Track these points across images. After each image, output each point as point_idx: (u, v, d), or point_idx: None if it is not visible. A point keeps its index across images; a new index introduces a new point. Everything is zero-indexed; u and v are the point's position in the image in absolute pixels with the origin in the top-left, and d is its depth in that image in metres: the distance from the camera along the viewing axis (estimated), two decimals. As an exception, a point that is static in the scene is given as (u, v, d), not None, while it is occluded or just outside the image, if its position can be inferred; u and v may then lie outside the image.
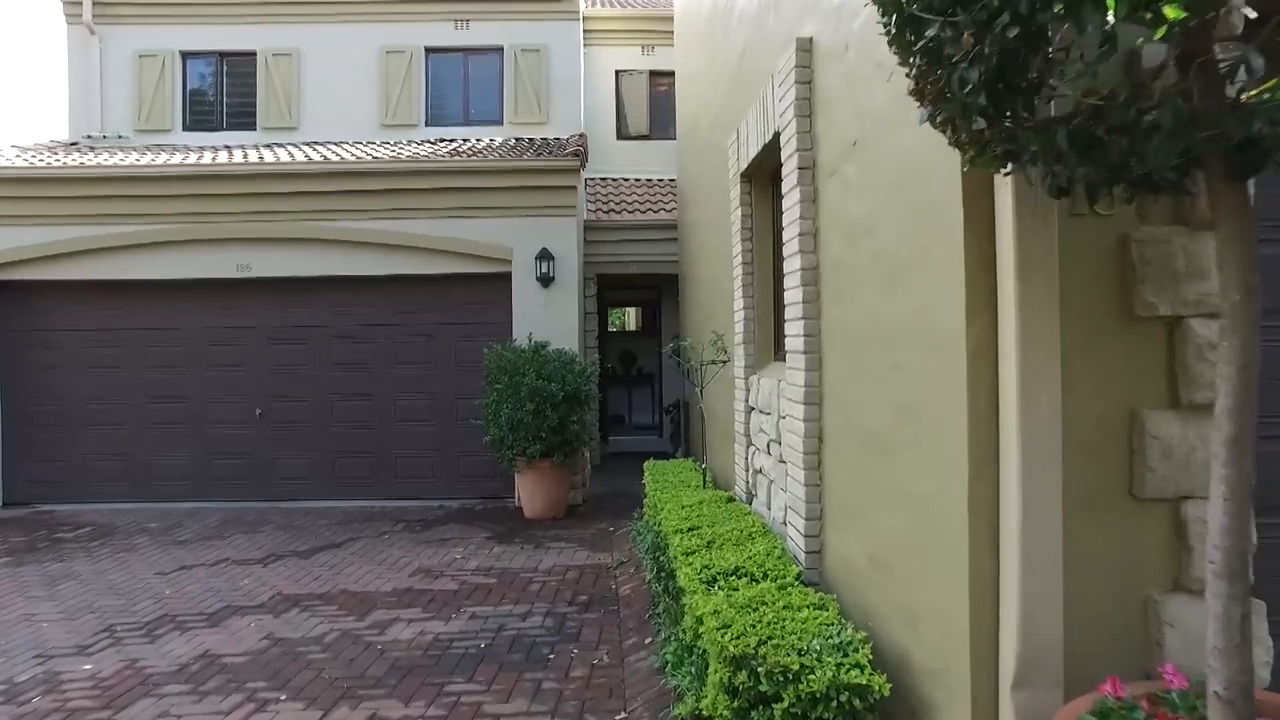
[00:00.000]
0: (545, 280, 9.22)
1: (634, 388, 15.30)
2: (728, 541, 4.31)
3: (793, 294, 4.08)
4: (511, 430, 8.24)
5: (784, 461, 4.42)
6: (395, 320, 9.66)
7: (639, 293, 14.74)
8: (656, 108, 13.67)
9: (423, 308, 9.66)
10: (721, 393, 6.52)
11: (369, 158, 9.37)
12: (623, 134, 13.64)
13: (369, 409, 9.65)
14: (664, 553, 5.22)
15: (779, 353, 5.37)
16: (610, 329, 15.83)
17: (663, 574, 5.28)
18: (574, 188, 9.34)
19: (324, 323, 9.65)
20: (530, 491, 8.54)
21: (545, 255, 9.19)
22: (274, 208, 9.28)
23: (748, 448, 5.51)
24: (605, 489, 10.28)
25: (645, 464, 7.62)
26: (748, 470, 5.50)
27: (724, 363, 6.16)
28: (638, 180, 13.26)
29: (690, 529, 4.73)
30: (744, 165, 5.38)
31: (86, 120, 11.55)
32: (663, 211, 12.19)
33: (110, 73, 11.59)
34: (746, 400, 5.50)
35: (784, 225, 4.23)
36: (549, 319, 9.22)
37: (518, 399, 8.14)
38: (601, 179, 13.20)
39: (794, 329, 4.06)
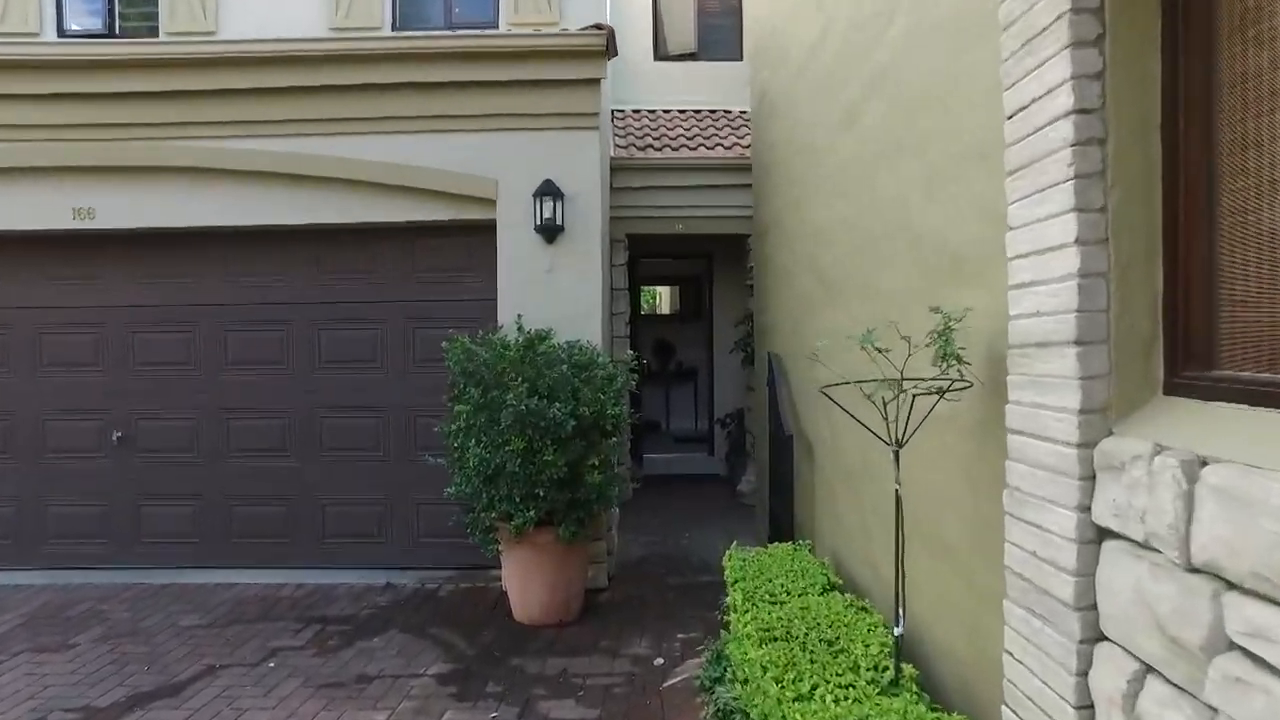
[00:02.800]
0: (550, 231, 5.57)
1: (673, 386, 11.66)
2: None
3: None
4: (487, 482, 4.63)
5: None
6: (322, 296, 6.07)
7: (681, 263, 11.05)
8: (706, 18, 9.92)
9: (363, 277, 6.07)
10: (939, 457, 2.84)
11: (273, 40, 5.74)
12: (661, 53, 9.89)
13: (284, 432, 6.10)
14: None
15: (1188, 370, 1.68)
16: (639, 311, 12.15)
17: None
18: (596, 83, 5.66)
19: (215, 300, 6.09)
20: (522, 580, 4.94)
21: (550, 191, 5.54)
22: (127, 118, 5.71)
23: (1079, 645, 1.83)
24: (641, 550, 6.67)
25: (725, 559, 4.01)
26: (1090, 700, 1.83)
27: (945, 389, 2.47)
28: (681, 112, 9.55)
29: None
30: None
31: (-78, 20, 8.00)
32: (719, 148, 8.49)
33: (-47, -47, 8.03)
34: (1084, 508, 1.82)
35: None
36: (556, 294, 5.58)
37: (495, 429, 4.52)
38: (634, 110, 9.50)
39: None
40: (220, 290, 6.08)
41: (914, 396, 2.48)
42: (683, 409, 11.53)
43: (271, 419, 6.09)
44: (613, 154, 8.26)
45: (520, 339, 4.81)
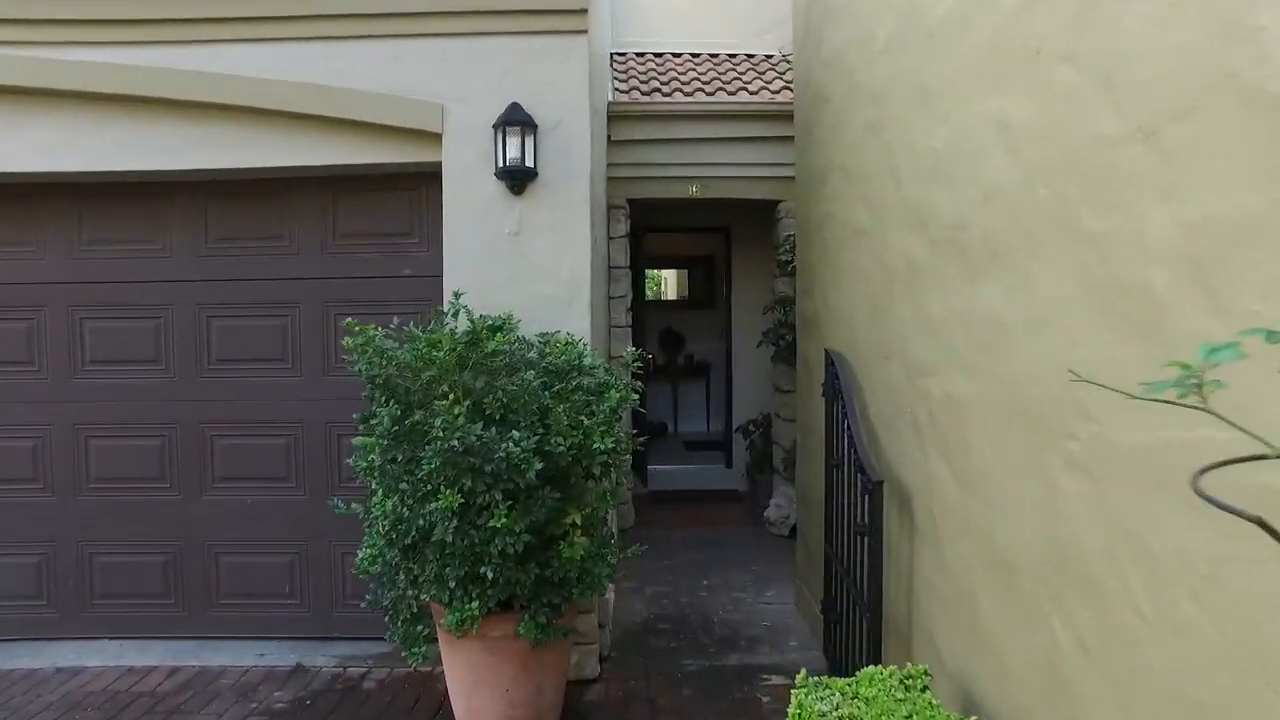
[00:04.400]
0: (518, 177, 3.85)
1: (682, 383, 9.97)
2: None
3: None
4: (407, 553, 2.93)
5: None
6: (212, 271, 4.38)
7: (692, 239, 9.31)
8: (724, -56, 8.14)
9: (268, 245, 4.37)
10: None
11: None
12: (671, -13, 8.12)
13: (162, 455, 4.41)
14: None
15: None
16: (643, 295, 10.43)
17: None
18: (582, -35, 3.92)
19: (64, 276, 4.39)
20: (469, 689, 3.24)
21: (518, 121, 3.81)
22: (-77, 19, 3.99)
23: None
24: (645, 607, 4.97)
25: (793, 711, 2.28)
26: None
27: None
28: (694, 55, 7.80)
29: None
30: None
31: None
32: (743, 93, 6.75)
33: None
34: None
35: None
36: (526, 267, 3.88)
37: (415, 476, 2.81)
38: (637, 54, 7.76)
39: None
40: (71, 263, 4.37)
41: None
42: (694, 410, 9.84)
43: (145, 437, 4.40)
44: (611, 99, 6.53)
45: (462, 330, 3.08)
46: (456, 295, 3.25)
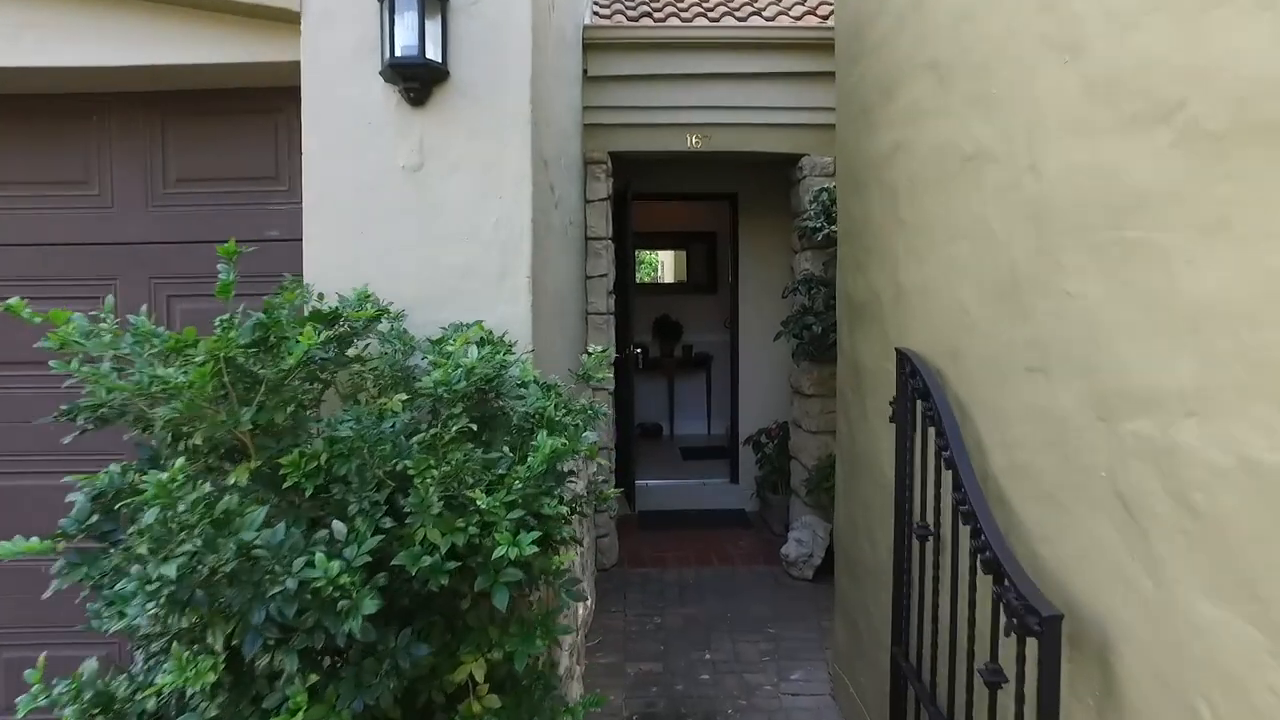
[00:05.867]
0: (417, 78, 2.39)
1: (678, 377, 8.55)
2: None
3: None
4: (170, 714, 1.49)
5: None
6: (-19, 231, 2.93)
7: (692, 209, 7.85)
8: None
9: (62, 193, 2.92)
10: None
11: None
12: (666, -97, 6.61)
13: (-85, 500, 2.98)
14: None
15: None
16: (633, 276, 9.00)
17: None
18: None
19: None
20: None
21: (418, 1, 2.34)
22: None
23: None
24: (628, 702, 3.52)
25: None
26: None
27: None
28: (695, -16, 6.30)
29: None
30: None
31: None
32: (756, 18, 5.28)
33: None
34: None
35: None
36: (430, 221, 2.44)
37: (127, 619, 1.37)
38: (625, -19, 6.25)
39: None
40: None
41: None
42: (693, 409, 8.44)
43: (-109, 476, 2.98)
44: (587, 22, 5.06)
45: (247, 327, 1.62)
46: (229, 256, 1.77)
